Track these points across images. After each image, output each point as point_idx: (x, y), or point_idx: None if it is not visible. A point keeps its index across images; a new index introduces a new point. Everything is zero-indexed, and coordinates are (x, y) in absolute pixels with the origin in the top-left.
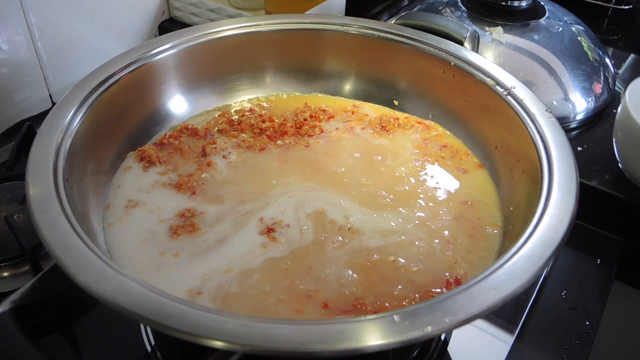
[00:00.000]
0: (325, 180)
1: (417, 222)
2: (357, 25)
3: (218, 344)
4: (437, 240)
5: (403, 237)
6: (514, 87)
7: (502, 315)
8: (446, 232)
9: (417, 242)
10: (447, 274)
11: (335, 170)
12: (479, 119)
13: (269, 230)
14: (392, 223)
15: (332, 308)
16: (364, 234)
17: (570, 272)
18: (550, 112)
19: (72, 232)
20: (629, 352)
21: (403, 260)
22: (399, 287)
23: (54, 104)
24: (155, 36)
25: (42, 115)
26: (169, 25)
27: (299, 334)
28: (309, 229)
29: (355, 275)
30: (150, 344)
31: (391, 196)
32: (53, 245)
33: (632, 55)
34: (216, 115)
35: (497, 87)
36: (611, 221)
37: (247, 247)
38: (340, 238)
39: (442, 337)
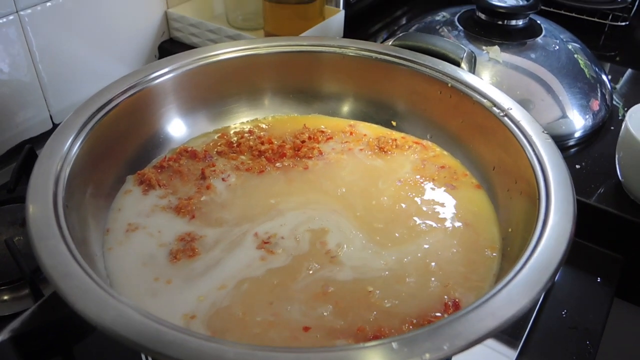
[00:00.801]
0: (327, 202)
1: (418, 254)
2: (355, 47)
3: None
4: (433, 279)
5: (386, 273)
6: (511, 109)
7: (503, 331)
8: (444, 259)
9: (407, 279)
10: (445, 297)
11: (335, 193)
12: (476, 140)
13: (265, 243)
14: (382, 261)
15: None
16: (343, 265)
17: (570, 290)
18: (547, 133)
19: (71, 259)
20: None
21: (379, 292)
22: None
23: (54, 125)
24: (156, 56)
25: (43, 137)
26: (169, 45)
27: None
28: (305, 239)
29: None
30: None
31: (393, 228)
32: (53, 273)
33: (629, 70)
34: (215, 138)
35: (494, 109)
36: (611, 239)
37: (245, 262)
38: (317, 265)
39: None
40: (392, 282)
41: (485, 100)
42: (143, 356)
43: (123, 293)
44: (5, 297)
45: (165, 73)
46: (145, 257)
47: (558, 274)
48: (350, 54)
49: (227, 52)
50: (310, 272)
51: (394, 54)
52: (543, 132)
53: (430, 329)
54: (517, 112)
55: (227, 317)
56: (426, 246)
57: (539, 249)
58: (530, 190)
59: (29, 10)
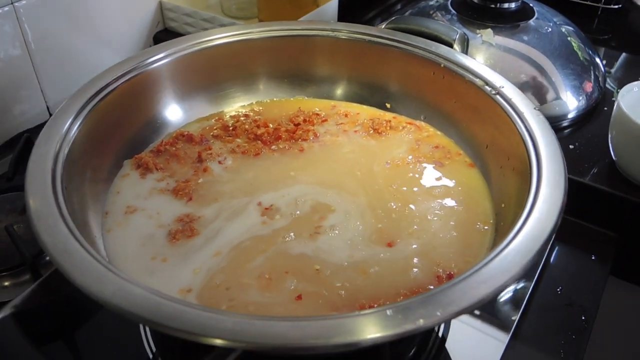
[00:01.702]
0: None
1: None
2: (348, 30)
3: (215, 341)
4: (416, 259)
5: (345, 264)
6: (503, 87)
7: (498, 311)
8: (438, 243)
9: (371, 269)
10: (440, 270)
11: (331, 175)
12: (469, 119)
13: (267, 210)
14: (346, 253)
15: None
16: (314, 242)
17: (565, 268)
18: (538, 110)
19: (71, 237)
20: (625, 347)
21: (328, 272)
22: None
23: (51, 116)
24: (151, 47)
25: (40, 128)
26: (164, 35)
27: (294, 330)
28: (307, 205)
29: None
30: (151, 350)
31: (388, 214)
32: (53, 250)
33: (623, 54)
34: (211, 122)
35: (486, 87)
36: (605, 217)
37: (245, 228)
38: (293, 235)
39: (440, 334)
40: (350, 271)
41: (477, 80)
42: (144, 338)
43: (122, 272)
44: (6, 283)
45: (161, 58)
46: (144, 237)
47: (554, 254)
48: (343, 37)
49: (221, 37)
50: (287, 239)
51: (386, 36)
52: (535, 108)
53: (424, 297)
54: (509, 90)
55: (217, 291)
56: (414, 244)
57: (531, 219)
58: (522, 165)
59: (24, 2)
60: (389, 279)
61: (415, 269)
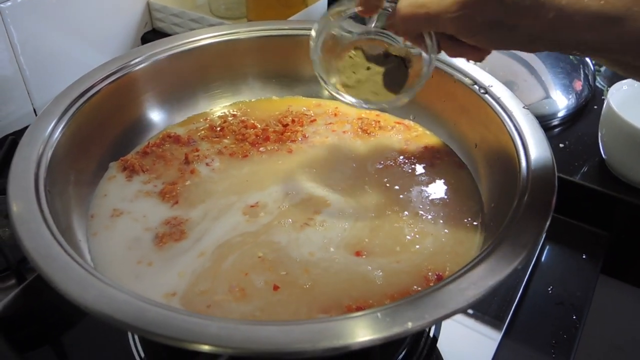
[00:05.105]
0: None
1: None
2: None
3: (201, 347)
4: (379, 271)
5: (297, 260)
6: (492, 86)
7: (489, 311)
8: (426, 242)
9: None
10: (429, 273)
11: (321, 177)
12: (458, 118)
13: (252, 207)
14: (307, 250)
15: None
16: (298, 234)
17: (556, 267)
18: (527, 108)
19: (54, 242)
20: (615, 345)
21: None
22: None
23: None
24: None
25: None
26: (152, 36)
27: (280, 334)
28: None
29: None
30: (140, 356)
31: (379, 220)
32: (35, 255)
33: None
34: (198, 122)
35: (475, 86)
36: (595, 216)
37: (231, 225)
38: (290, 220)
39: (432, 333)
40: (296, 265)
41: (466, 79)
42: (132, 343)
43: (107, 276)
44: None
45: (147, 59)
46: (130, 241)
47: (544, 253)
48: None
49: (208, 37)
50: (283, 225)
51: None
52: (523, 107)
53: (413, 299)
54: (498, 89)
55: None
56: (386, 255)
57: (521, 219)
58: (511, 164)
59: (9, 3)
60: (327, 284)
61: (368, 281)
